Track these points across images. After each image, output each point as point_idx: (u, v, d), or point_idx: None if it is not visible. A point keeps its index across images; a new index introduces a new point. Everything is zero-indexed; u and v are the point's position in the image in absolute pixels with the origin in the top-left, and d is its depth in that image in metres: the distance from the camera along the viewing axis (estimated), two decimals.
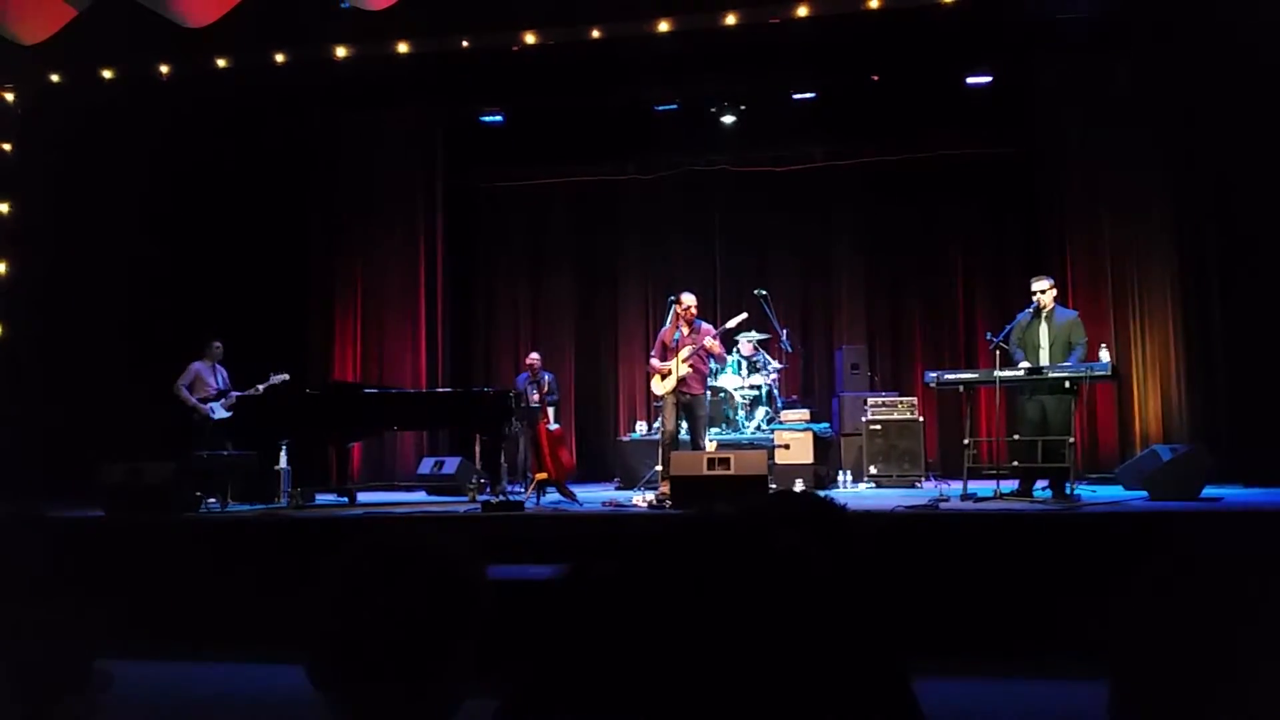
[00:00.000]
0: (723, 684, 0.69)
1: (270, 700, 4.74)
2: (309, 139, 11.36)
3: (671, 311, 9.02)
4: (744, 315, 8.89)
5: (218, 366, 9.40)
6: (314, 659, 1.24)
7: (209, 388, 9.24)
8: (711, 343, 8.03)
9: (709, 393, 8.56)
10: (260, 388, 9.04)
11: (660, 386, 8.14)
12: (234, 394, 9.17)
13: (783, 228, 11.57)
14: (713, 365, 9.01)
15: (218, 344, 9.41)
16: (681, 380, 7.92)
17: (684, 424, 8.15)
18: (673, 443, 7.98)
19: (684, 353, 7.96)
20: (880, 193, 11.18)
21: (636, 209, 11.80)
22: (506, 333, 12.11)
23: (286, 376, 9.06)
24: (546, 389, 9.52)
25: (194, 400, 9.11)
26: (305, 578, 1.27)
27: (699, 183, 11.58)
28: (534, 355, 9.98)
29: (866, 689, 0.75)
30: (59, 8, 8.25)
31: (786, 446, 8.88)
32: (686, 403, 8.02)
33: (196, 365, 9.26)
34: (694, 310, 8.17)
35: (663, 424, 8.19)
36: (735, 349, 9.98)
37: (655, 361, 8.22)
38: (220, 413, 9.16)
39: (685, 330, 8.06)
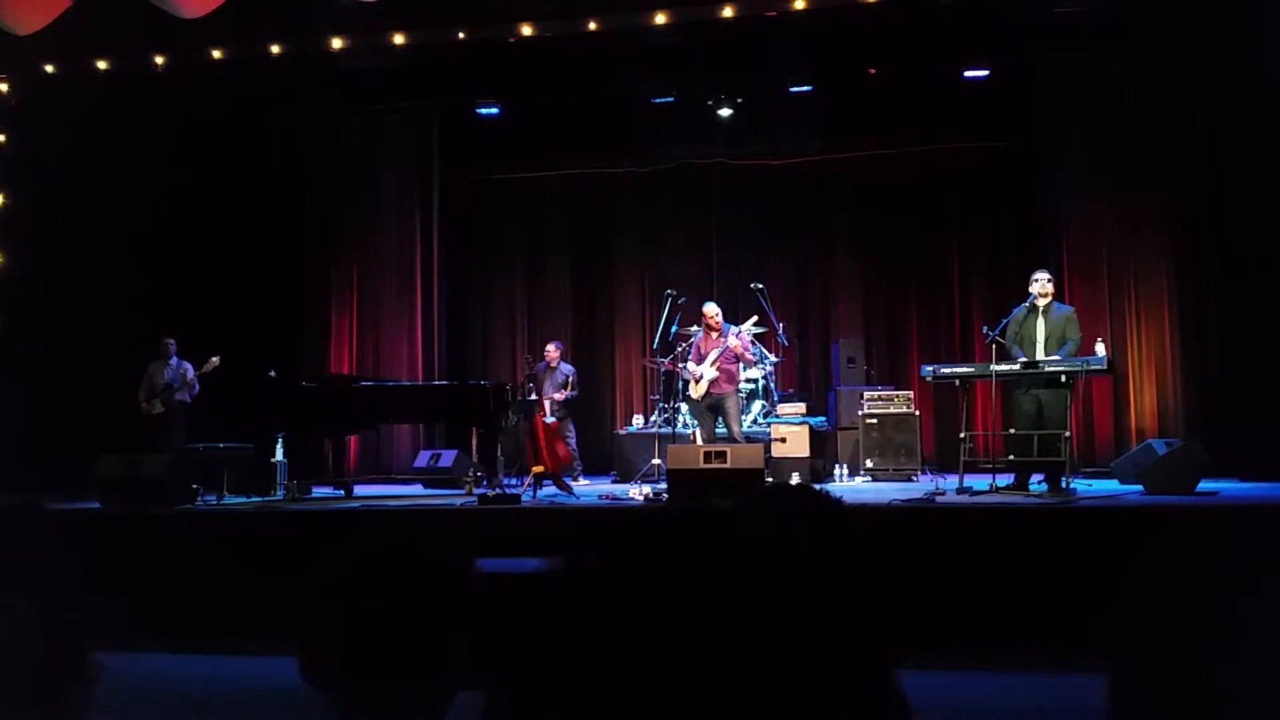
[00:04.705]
0: (711, 675, 0.69)
1: (265, 693, 4.73)
2: (305, 132, 11.33)
3: (668, 306, 9.14)
4: (754, 318, 9.18)
5: (176, 361, 9.54)
6: (307, 652, 1.24)
7: (156, 385, 9.50)
8: (735, 342, 8.11)
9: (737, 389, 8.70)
10: (193, 376, 9.42)
11: (696, 392, 8.36)
12: (176, 389, 9.42)
13: (780, 221, 11.55)
14: (755, 354, 9.41)
15: (168, 340, 9.59)
16: (712, 382, 8.23)
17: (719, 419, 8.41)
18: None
19: (710, 357, 8.24)
20: (877, 186, 11.18)
21: (633, 202, 11.78)
22: (503, 326, 12.10)
23: (216, 361, 9.31)
24: (571, 385, 9.49)
25: (141, 399, 9.48)
26: (300, 570, 1.26)
27: (696, 176, 11.56)
28: (550, 346, 9.99)
29: (854, 681, 0.75)
30: None
31: (783, 440, 8.89)
32: (714, 403, 8.29)
33: (150, 366, 9.57)
34: (718, 319, 8.40)
35: (700, 432, 8.45)
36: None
37: (691, 366, 8.42)
38: (158, 407, 9.44)
39: (714, 337, 8.34)
